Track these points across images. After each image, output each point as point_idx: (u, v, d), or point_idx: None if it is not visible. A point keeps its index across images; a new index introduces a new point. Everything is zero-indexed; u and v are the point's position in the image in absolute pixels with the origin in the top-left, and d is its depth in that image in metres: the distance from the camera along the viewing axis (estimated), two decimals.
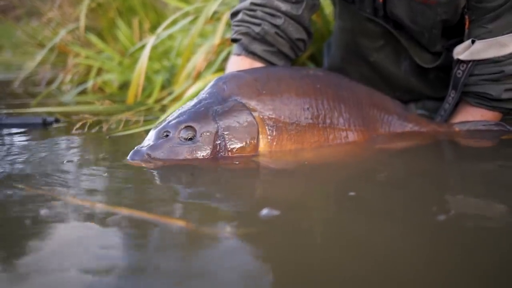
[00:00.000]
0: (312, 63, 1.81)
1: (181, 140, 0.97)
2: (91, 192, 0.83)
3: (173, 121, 1.00)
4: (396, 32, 1.38)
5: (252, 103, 1.04)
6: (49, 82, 3.02)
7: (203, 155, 0.97)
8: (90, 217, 0.72)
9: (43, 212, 0.73)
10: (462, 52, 1.23)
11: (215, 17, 1.93)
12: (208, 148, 0.98)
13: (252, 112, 1.02)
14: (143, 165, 0.96)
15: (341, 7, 1.52)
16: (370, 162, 1.05)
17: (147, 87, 2.18)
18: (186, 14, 2.08)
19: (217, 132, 0.98)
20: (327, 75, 1.25)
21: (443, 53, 1.37)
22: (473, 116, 1.29)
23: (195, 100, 1.05)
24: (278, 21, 1.28)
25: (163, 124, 1.01)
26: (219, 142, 0.98)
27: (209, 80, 1.71)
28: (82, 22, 2.75)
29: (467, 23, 1.23)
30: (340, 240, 0.64)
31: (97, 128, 1.47)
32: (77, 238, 0.65)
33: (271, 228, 0.66)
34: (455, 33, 1.31)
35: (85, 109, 1.82)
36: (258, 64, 1.31)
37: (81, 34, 2.81)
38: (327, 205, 0.80)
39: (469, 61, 1.24)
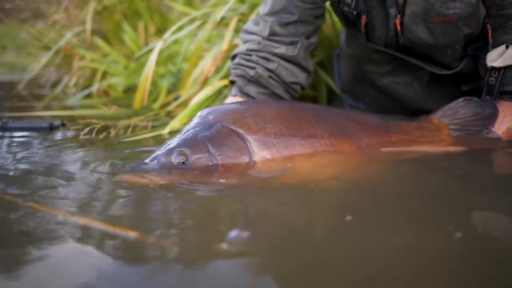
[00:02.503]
0: (321, 69, 1.80)
1: (172, 164, 0.99)
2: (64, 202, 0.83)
3: (164, 150, 1.01)
4: (407, 57, 1.38)
5: (238, 125, 1.05)
6: (54, 85, 3.02)
7: (196, 178, 0.97)
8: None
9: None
10: (496, 59, 1.22)
11: (222, 23, 1.93)
12: (201, 175, 0.98)
13: (241, 134, 1.04)
14: (131, 182, 0.94)
15: (348, 33, 1.54)
16: (363, 173, 1.05)
17: (152, 92, 2.17)
18: (193, 20, 2.08)
19: (208, 155, 1.00)
20: (303, 103, 1.29)
21: (464, 59, 1.35)
22: (509, 109, 1.27)
23: (182, 132, 1.07)
24: (272, 65, 1.35)
25: (153, 155, 1.02)
26: (211, 164, 0.99)
27: (218, 86, 1.72)
28: (89, 25, 2.76)
29: (490, 31, 1.23)
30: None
31: (104, 133, 1.46)
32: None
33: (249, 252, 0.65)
34: (474, 40, 1.31)
35: (92, 113, 1.82)
36: None
37: (87, 37, 2.81)
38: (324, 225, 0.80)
39: (501, 67, 1.23)
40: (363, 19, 1.35)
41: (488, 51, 1.24)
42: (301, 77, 1.41)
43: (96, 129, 1.46)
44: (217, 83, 1.73)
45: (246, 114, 1.09)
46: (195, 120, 1.10)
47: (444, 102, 1.47)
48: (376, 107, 1.60)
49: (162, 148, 1.03)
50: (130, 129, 1.51)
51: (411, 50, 1.36)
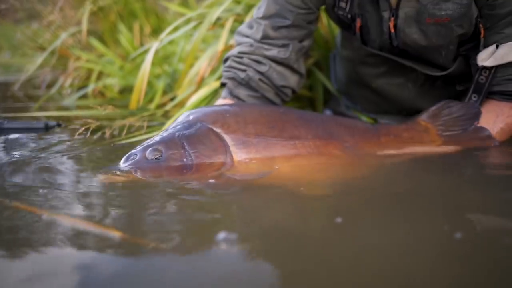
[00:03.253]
0: (317, 69, 1.80)
1: (147, 160, 0.98)
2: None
3: (140, 147, 1.02)
4: (401, 59, 1.39)
5: (218, 125, 1.05)
6: (49, 85, 3.01)
7: (169, 176, 0.97)
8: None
9: None
10: (487, 58, 1.22)
11: (218, 23, 1.93)
12: (175, 170, 0.98)
13: (217, 131, 1.04)
14: (112, 181, 0.95)
15: (343, 36, 1.55)
16: (349, 174, 1.05)
17: (148, 92, 2.17)
18: (189, 20, 2.08)
19: (183, 151, 0.99)
20: (290, 107, 1.30)
21: (457, 59, 1.35)
22: (502, 109, 1.27)
23: (161, 131, 1.08)
24: (263, 68, 1.35)
25: (129, 153, 1.02)
26: (185, 160, 0.99)
27: (214, 86, 1.72)
28: (85, 26, 2.75)
29: (482, 31, 1.24)
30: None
31: (99, 133, 1.46)
32: None
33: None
34: (467, 41, 1.32)
35: (88, 113, 1.81)
36: None
37: (82, 38, 2.81)
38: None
39: (492, 66, 1.23)
40: (358, 22, 1.36)
41: (479, 50, 1.25)
42: (292, 80, 1.41)
43: (91, 129, 1.46)
44: (213, 84, 1.73)
45: (227, 114, 1.09)
46: (177, 120, 1.10)
47: (438, 101, 1.48)
48: (372, 108, 1.61)
49: (139, 146, 1.03)
50: (125, 130, 1.50)
51: (406, 52, 1.37)
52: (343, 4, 1.35)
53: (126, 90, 2.50)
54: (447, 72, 1.36)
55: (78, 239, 0.69)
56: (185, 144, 1.00)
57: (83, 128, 1.44)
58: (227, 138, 1.03)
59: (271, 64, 1.36)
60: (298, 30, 1.36)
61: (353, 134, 1.20)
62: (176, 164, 0.98)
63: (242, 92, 1.37)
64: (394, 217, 0.77)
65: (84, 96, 2.50)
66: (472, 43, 1.30)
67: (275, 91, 1.39)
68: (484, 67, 1.24)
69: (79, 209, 0.81)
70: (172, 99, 2.07)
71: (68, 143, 1.36)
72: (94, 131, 1.46)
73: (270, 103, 1.40)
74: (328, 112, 1.79)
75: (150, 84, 2.20)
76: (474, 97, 1.30)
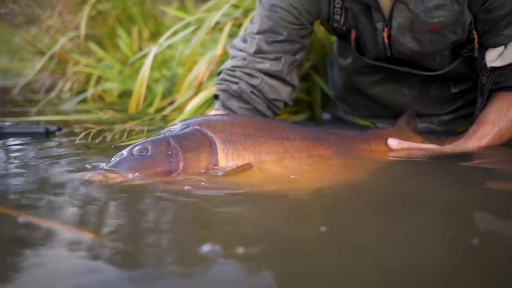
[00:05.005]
0: (315, 72, 1.82)
1: (133, 155, 0.98)
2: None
3: (128, 148, 1.02)
4: (397, 67, 1.41)
5: (204, 126, 1.05)
6: (48, 90, 3.02)
7: (155, 171, 0.96)
8: None
9: None
10: (496, 59, 1.24)
11: (216, 28, 1.95)
12: (161, 164, 0.97)
13: (204, 131, 1.04)
14: (98, 182, 0.94)
15: (340, 45, 1.57)
16: (342, 175, 1.04)
17: (147, 96, 2.18)
18: (187, 25, 2.09)
19: (169, 146, 0.99)
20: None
21: (458, 59, 1.37)
22: (508, 100, 1.28)
23: None
24: (255, 81, 1.38)
25: (118, 153, 1.02)
26: (171, 154, 0.98)
27: (213, 91, 1.73)
28: (83, 30, 2.76)
29: (476, 38, 1.26)
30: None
31: (100, 138, 1.47)
32: None
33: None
34: (461, 46, 1.34)
35: (88, 118, 1.83)
36: None
37: (81, 42, 2.82)
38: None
39: (493, 67, 1.25)
40: (353, 33, 1.39)
41: (474, 55, 1.28)
42: (284, 93, 1.43)
43: (92, 133, 1.47)
44: (212, 88, 1.74)
45: (214, 119, 1.10)
46: (171, 126, 1.11)
47: (435, 106, 1.50)
48: (369, 114, 1.64)
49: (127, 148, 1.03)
50: (126, 134, 1.52)
51: (401, 61, 1.39)
52: (337, 17, 1.37)
53: (125, 95, 2.51)
54: (445, 70, 1.37)
55: (52, 241, 0.69)
56: (171, 140, 1.00)
57: (84, 133, 1.46)
58: (213, 136, 1.03)
59: (263, 77, 1.38)
60: (292, 45, 1.39)
61: (343, 139, 1.21)
62: (162, 158, 0.97)
63: (234, 104, 1.39)
64: (390, 218, 0.79)
65: (83, 101, 2.51)
66: (471, 45, 1.31)
67: (266, 104, 1.41)
68: (490, 68, 1.26)
69: (61, 213, 0.81)
70: (171, 103, 2.08)
71: (69, 147, 1.37)
72: (95, 136, 1.47)
73: (261, 115, 1.41)
74: (326, 116, 1.81)
75: (149, 88, 2.21)
76: (480, 99, 1.31)
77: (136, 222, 0.78)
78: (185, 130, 1.04)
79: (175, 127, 1.08)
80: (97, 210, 0.83)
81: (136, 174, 0.95)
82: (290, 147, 1.09)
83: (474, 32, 1.26)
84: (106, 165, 0.99)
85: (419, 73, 1.40)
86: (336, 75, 1.72)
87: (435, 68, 1.38)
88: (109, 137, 1.47)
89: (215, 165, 1.00)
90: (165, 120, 1.84)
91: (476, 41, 1.27)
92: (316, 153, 1.12)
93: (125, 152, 1.00)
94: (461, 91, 1.48)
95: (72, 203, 0.86)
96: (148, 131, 1.57)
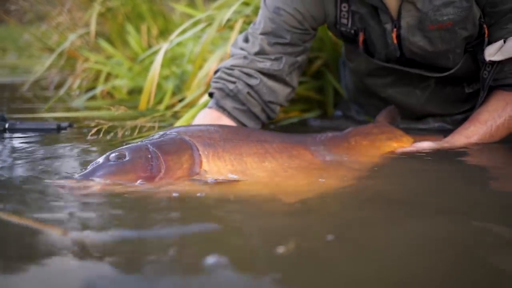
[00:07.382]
0: (327, 70, 1.82)
1: (110, 161, 0.94)
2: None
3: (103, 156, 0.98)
4: (409, 69, 1.39)
5: (182, 133, 1.03)
6: (57, 87, 3.03)
7: (137, 176, 0.92)
8: None
9: None
10: (495, 53, 1.23)
11: (227, 25, 1.94)
12: (142, 168, 0.93)
13: (182, 137, 1.01)
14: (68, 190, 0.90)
15: (347, 49, 1.56)
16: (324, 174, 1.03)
17: (157, 93, 2.18)
18: (197, 22, 2.09)
19: (148, 151, 0.95)
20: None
21: (464, 55, 1.35)
22: (505, 100, 1.28)
23: None
24: (253, 82, 1.34)
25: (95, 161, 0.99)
26: (150, 157, 0.94)
27: None
28: (93, 27, 2.77)
29: (486, 32, 1.24)
30: None
31: (111, 134, 1.47)
32: None
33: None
34: (474, 42, 1.32)
35: (98, 114, 1.83)
36: (225, 120, 1.34)
37: (91, 39, 2.83)
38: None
39: (495, 62, 1.24)
40: (361, 36, 1.38)
41: (483, 48, 1.26)
42: (282, 95, 1.40)
43: (103, 130, 1.47)
44: None
45: (191, 127, 1.10)
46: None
47: (449, 106, 1.49)
48: None
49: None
50: (137, 130, 1.52)
51: (413, 61, 1.38)
52: (344, 21, 1.36)
53: (135, 92, 2.51)
54: (454, 69, 1.36)
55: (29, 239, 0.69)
56: (150, 146, 0.97)
57: (95, 129, 1.46)
58: (193, 140, 1.01)
59: (262, 78, 1.35)
60: (294, 48, 1.37)
61: (322, 140, 1.20)
62: (142, 162, 0.93)
63: (229, 104, 1.35)
64: (384, 218, 0.78)
65: (93, 98, 2.52)
66: (477, 40, 1.30)
67: (262, 106, 1.38)
68: (490, 62, 1.25)
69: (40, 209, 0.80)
70: (180, 100, 2.08)
71: (82, 143, 1.38)
72: (106, 132, 1.47)
73: (255, 118, 1.38)
74: (338, 113, 1.80)
75: (158, 86, 2.21)
76: (481, 93, 1.31)
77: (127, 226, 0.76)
78: (162, 138, 1.01)
79: (152, 137, 1.05)
80: (85, 209, 0.81)
81: (115, 179, 0.90)
82: (269, 148, 1.08)
83: (485, 26, 1.24)
84: (79, 174, 0.94)
85: (430, 75, 1.39)
86: (347, 77, 1.71)
87: (449, 67, 1.37)
88: (120, 133, 1.47)
89: (200, 167, 0.97)
90: (176, 116, 1.84)
91: (486, 35, 1.25)
92: (296, 153, 1.10)
93: (100, 159, 0.96)
94: (475, 91, 1.46)
95: (64, 201, 0.84)
96: (159, 127, 1.57)
